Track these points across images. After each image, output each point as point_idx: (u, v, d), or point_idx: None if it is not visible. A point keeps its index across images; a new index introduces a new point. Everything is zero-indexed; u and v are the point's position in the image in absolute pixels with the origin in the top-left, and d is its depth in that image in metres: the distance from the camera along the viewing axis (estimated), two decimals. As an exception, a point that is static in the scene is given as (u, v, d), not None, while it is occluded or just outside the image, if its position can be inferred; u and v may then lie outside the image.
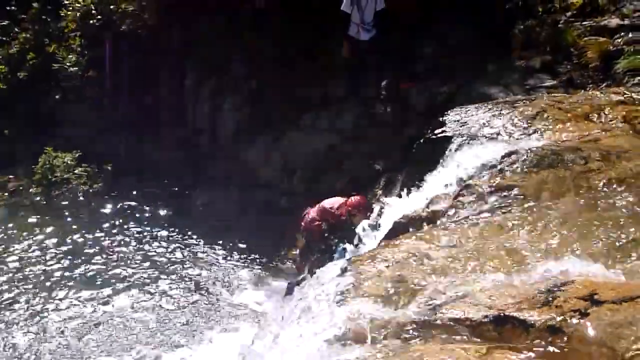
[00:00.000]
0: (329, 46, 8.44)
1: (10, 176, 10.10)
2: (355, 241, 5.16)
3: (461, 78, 7.00)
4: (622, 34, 6.17)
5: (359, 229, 5.18)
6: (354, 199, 6.05)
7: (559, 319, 1.99)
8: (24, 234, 8.12)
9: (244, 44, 9.32)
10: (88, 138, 10.28)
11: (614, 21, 6.49)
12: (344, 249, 5.44)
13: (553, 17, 6.95)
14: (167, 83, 10.48)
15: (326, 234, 5.98)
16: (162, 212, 8.83)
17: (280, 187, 8.39)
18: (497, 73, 6.71)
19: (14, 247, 7.76)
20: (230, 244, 7.74)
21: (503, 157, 3.67)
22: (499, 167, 3.60)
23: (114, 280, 6.93)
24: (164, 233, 8.15)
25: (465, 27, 7.56)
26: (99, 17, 10.65)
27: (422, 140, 5.07)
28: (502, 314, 2.09)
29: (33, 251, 7.66)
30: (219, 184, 8.93)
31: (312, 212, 6.12)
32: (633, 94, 4.70)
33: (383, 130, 7.56)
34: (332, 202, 6.09)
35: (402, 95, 7.60)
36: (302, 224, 6.22)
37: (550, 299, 2.10)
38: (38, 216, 8.75)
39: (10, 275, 7.06)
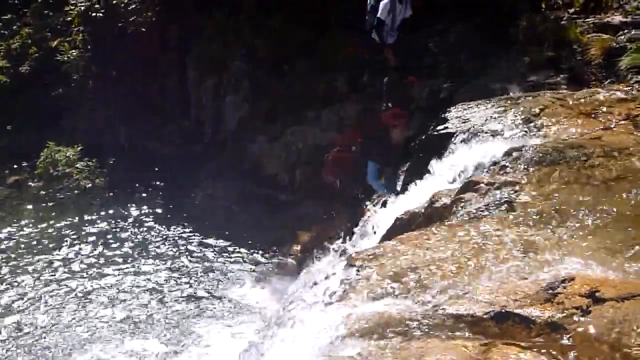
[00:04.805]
0: (330, 43, 8.43)
1: (12, 170, 10.12)
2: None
3: (463, 74, 6.98)
4: (626, 31, 6.14)
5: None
6: (391, 110, 5.71)
7: (560, 315, 1.99)
8: (29, 225, 8.16)
9: (245, 40, 9.31)
10: (90, 131, 10.29)
11: (617, 18, 6.47)
12: (375, 165, 5.29)
13: (556, 14, 6.93)
14: (169, 78, 10.50)
15: (358, 160, 5.69)
16: (162, 207, 8.88)
17: (281, 182, 8.43)
18: (499, 69, 6.69)
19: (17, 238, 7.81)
20: (231, 238, 7.75)
21: (505, 153, 3.67)
22: (501, 163, 3.59)
23: (110, 274, 6.98)
24: (164, 227, 8.20)
25: (467, 24, 7.54)
26: (102, 11, 10.64)
27: (424, 137, 5.07)
28: (503, 311, 2.09)
29: (38, 242, 7.72)
30: (220, 178, 8.96)
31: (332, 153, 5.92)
32: (636, 91, 4.69)
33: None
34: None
35: (404, 91, 7.58)
36: (325, 163, 6.04)
37: (552, 295, 2.11)
38: (39, 209, 8.79)
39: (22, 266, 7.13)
